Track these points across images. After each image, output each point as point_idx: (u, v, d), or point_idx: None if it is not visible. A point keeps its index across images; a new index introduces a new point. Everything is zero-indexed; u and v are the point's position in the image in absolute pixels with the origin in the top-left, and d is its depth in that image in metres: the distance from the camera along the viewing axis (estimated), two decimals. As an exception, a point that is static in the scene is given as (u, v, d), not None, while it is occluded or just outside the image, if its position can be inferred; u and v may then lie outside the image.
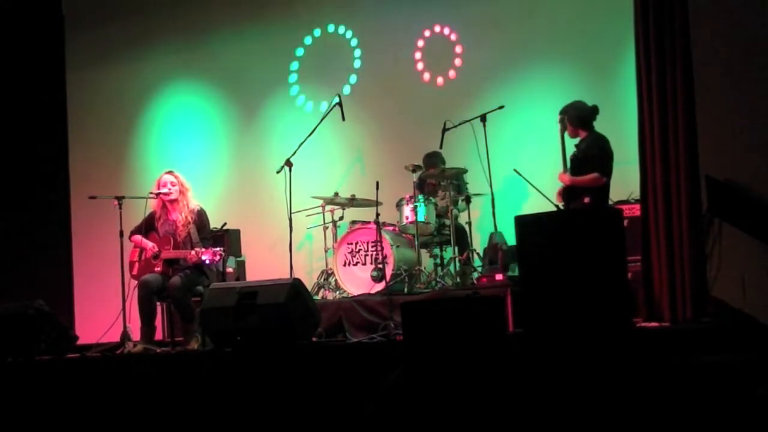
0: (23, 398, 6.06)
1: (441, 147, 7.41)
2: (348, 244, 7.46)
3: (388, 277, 7.02)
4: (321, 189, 7.98)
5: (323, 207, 7.92)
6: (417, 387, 4.53)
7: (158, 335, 7.06)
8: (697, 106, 5.50)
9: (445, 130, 7.31)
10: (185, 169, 7.42)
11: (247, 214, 8.87)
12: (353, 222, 7.66)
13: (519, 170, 6.79)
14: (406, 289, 7.13)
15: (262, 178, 8.79)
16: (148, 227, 6.97)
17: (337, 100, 7.51)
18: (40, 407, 5.97)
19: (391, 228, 7.58)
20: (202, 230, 6.90)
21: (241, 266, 8.33)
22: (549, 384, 4.49)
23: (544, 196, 6.53)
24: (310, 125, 7.62)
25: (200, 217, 6.93)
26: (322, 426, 5.13)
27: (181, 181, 6.97)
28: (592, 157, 6.31)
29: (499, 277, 6.65)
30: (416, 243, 7.36)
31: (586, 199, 6.23)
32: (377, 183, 7.08)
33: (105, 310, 7.63)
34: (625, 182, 6.61)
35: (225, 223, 8.11)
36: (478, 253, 7.47)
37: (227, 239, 8.08)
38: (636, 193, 6.13)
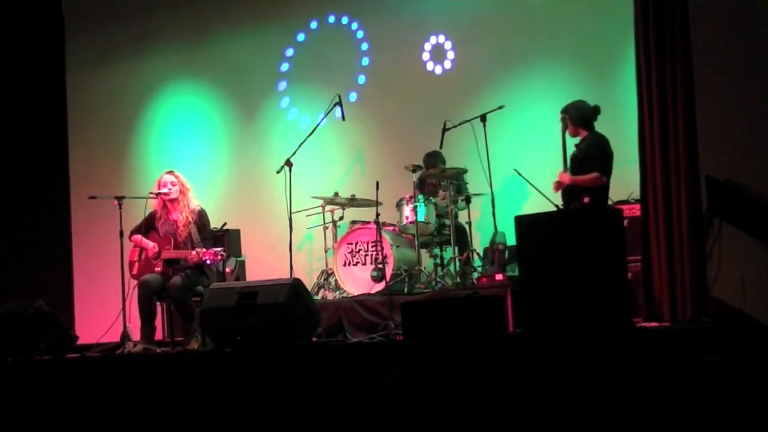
0: (23, 398, 6.06)
1: (441, 147, 7.41)
2: (348, 244, 7.46)
3: (388, 277, 7.02)
4: (321, 189, 7.98)
5: (323, 207, 7.92)
6: (417, 387, 4.53)
7: (158, 335, 7.05)
8: (697, 106, 5.50)
9: (445, 130, 7.31)
10: (185, 169, 7.42)
11: (247, 214, 8.87)
12: (353, 222, 7.67)
13: (519, 170, 6.79)
14: (406, 289, 7.13)
15: (262, 178, 8.79)
16: (148, 227, 6.96)
17: (336, 99, 7.52)
18: (40, 407, 5.97)
19: (391, 228, 7.58)
20: (203, 230, 6.90)
21: (241, 266, 8.33)
22: (549, 384, 4.49)
23: (544, 196, 6.53)
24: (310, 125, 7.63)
25: (201, 218, 6.93)
26: (322, 426, 5.13)
27: (181, 181, 6.97)
28: (592, 157, 6.31)
29: (499, 277, 6.66)
30: (416, 243, 7.36)
31: (586, 199, 6.23)
32: (377, 183, 7.08)
33: (105, 310, 7.62)
34: (625, 182, 6.61)
35: (225, 223, 8.11)
36: (478, 253, 7.47)
37: (227, 239, 8.09)
38: (636, 193, 6.13)
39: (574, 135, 6.47)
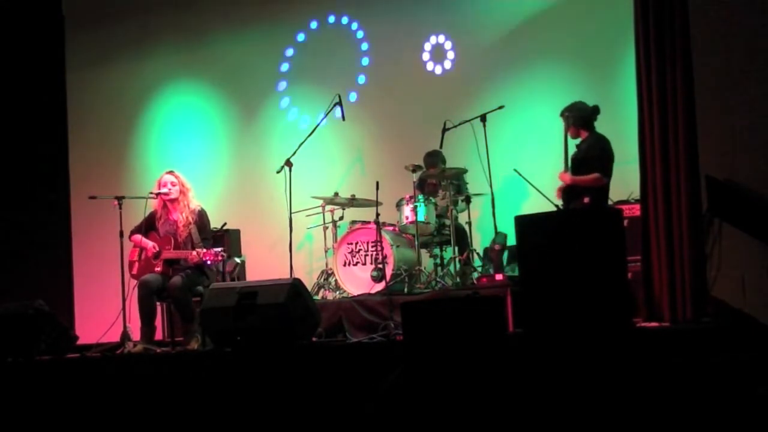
0: (23, 398, 6.06)
1: (441, 147, 7.42)
2: (348, 244, 7.46)
3: (388, 277, 7.02)
4: (321, 189, 7.98)
5: (323, 207, 7.91)
6: (417, 387, 4.53)
7: (158, 335, 7.05)
8: (697, 106, 5.50)
9: (445, 130, 7.32)
10: (185, 169, 7.42)
11: (247, 214, 8.87)
12: (353, 222, 7.66)
13: (519, 170, 6.80)
14: (406, 289, 7.13)
15: (262, 178, 8.79)
16: (148, 227, 6.96)
17: (336, 99, 7.52)
18: (40, 407, 5.97)
19: (391, 228, 7.58)
20: (203, 230, 6.90)
21: (241, 266, 8.32)
22: (549, 384, 4.49)
23: (544, 196, 6.53)
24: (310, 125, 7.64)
25: (201, 218, 6.93)
26: (322, 426, 5.13)
27: (181, 181, 6.97)
28: (592, 158, 6.32)
29: (499, 277, 6.66)
30: (416, 243, 7.35)
31: (586, 199, 6.24)
32: (377, 183, 7.08)
33: (105, 310, 7.62)
34: (625, 182, 6.62)
35: (225, 223, 8.12)
36: (478, 253, 7.47)
37: (227, 239, 8.09)
38: (636, 193, 6.13)
39: (574, 136, 6.47)
